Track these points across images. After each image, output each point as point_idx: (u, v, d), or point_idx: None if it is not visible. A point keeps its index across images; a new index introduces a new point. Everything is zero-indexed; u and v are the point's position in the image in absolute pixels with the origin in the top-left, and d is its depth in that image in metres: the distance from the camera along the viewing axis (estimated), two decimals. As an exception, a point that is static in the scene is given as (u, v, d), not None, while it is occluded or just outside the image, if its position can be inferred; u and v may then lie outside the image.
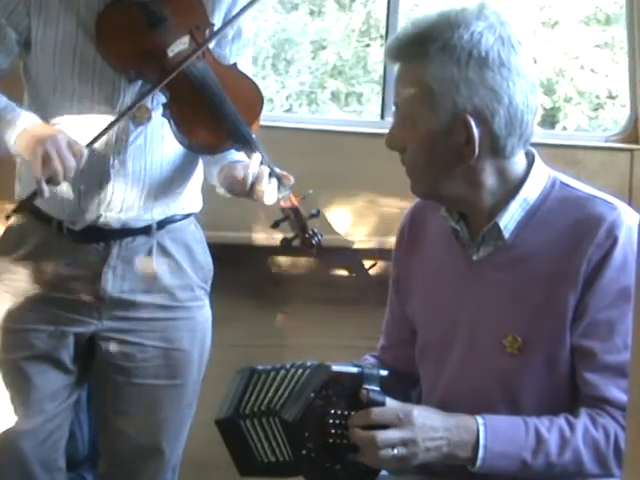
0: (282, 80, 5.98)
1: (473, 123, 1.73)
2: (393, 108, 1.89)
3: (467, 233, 1.87)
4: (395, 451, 1.71)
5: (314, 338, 3.21)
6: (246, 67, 2.26)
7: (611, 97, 6.37)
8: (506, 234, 1.81)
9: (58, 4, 2.16)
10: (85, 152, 2.06)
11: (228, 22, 2.20)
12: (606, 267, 1.74)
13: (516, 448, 1.72)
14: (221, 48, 2.25)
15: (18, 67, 2.25)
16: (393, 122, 1.83)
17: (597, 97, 6.42)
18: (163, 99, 2.17)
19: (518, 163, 1.82)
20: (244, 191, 2.11)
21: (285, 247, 2.13)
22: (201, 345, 2.37)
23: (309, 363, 1.83)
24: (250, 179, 2.08)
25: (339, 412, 1.77)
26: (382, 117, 3.42)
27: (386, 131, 1.85)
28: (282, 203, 2.12)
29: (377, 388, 1.77)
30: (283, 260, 3.04)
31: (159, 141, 2.22)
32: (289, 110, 6.02)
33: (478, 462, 1.72)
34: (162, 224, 2.29)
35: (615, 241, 1.74)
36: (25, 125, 2.10)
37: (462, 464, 1.75)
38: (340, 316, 3.25)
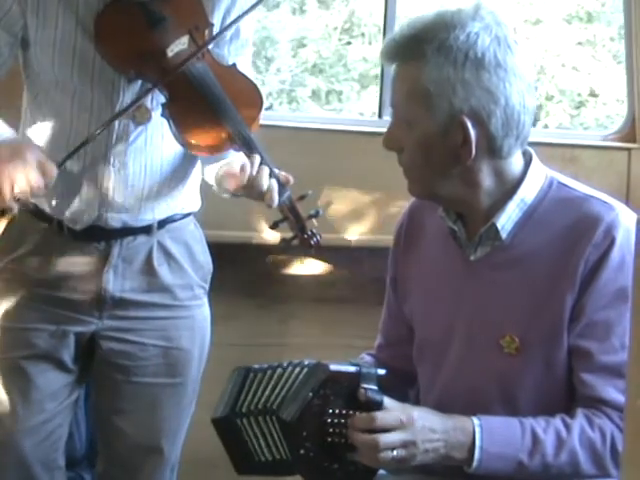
0: (262, 78, 5.97)
1: (469, 124, 1.73)
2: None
3: (464, 233, 1.87)
4: (394, 453, 1.71)
5: (313, 337, 3.22)
6: (245, 67, 2.26)
7: (593, 95, 6.36)
8: (503, 234, 1.81)
9: (57, 4, 2.15)
10: (54, 172, 2.05)
11: (231, 24, 2.20)
12: (603, 268, 1.74)
13: (512, 449, 1.73)
14: (220, 48, 2.25)
15: (17, 66, 2.25)
16: (390, 123, 1.83)
17: (579, 95, 6.40)
18: (162, 99, 2.17)
19: (515, 163, 1.82)
20: (241, 188, 2.11)
21: (284, 247, 2.13)
22: (200, 344, 2.37)
23: (306, 362, 1.83)
24: (247, 175, 2.08)
25: (337, 411, 1.77)
26: (380, 116, 3.42)
27: (384, 130, 1.85)
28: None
29: (375, 387, 1.77)
30: (282, 259, 3.04)
31: (159, 141, 2.23)
32: (269, 108, 6.03)
33: (474, 463, 1.73)
34: (162, 223, 2.29)
35: (612, 242, 1.74)
36: None
37: (459, 465, 1.76)
38: (338, 315, 3.26)
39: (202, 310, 2.38)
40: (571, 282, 1.75)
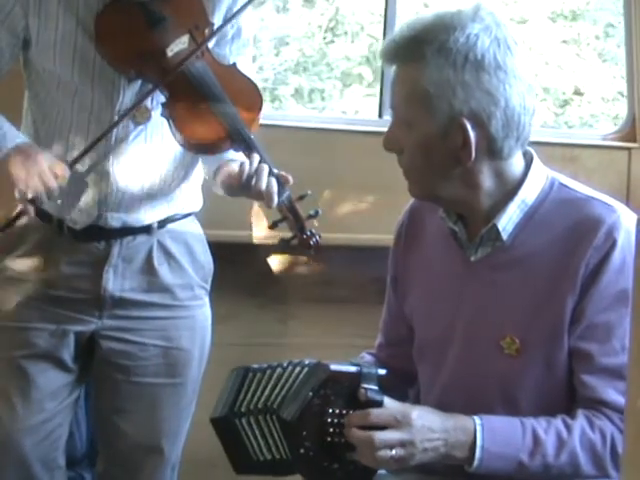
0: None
1: (469, 126, 1.73)
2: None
3: (465, 234, 1.87)
4: (393, 452, 1.71)
5: (313, 337, 3.22)
6: (246, 67, 2.26)
7: (578, 94, 6.36)
8: (504, 236, 1.81)
9: (57, 4, 2.15)
10: (67, 173, 2.08)
11: (227, 21, 2.20)
12: (604, 270, 1.74)
13: (513, 449, 1.73)
14: (221, 48, 2.25)
15: (18, 66, 2.25)
16: (390, 124, 1.83)
17: (563, 93, 6.40)
18: (162, 99, 2.17)
19: (516, 164, 1.82)
20: (239, 186, 2.11)
21: (283, 247, 2.13)
22: (201, 344, 2.37)
23: (307, 362, 1.83)
24: (246, 174, 2.08)
25: (337, 411, 1.77)
26: (380, 116, 3.42)
27: (384, 130, 1.85)
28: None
29: (375, 387, 1.77)
30: (282, 259, 3.04)
31: (159, 140, 2.23)
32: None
33: (475, 462, 1.73)
34: (163, 223, 2.29)
35: (614, 244, 1.74)
36: (8, 147, 2.11)
37: (459, 464, 1.76)
38: (339, 315, 3.26)
39: (203, 310, 2.38)
40: (572, 284, 1.75)
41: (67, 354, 2.28)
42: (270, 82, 6.13)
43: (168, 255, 2.30)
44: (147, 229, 2.27)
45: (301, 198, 2.13)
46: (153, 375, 2.32)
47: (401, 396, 1.92)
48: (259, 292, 3.24)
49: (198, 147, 2.20)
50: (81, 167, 2.19)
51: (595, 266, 1.75)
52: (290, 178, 2.12)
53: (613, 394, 1.74)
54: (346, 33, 5.96)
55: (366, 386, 1.77)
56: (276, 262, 3.18)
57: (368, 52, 5.95)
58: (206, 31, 2.20)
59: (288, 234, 2.15)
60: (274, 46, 6.14)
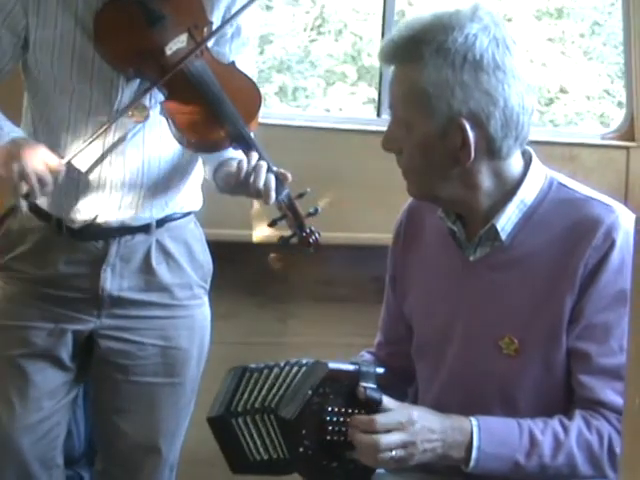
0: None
1: (468, 126, 1.73)
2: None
3: (464, 234, 1.87)
4: (393, 453, 1.72)
5: (312, 336, 3.22)
6: (245, 66, 2.25)
7: (563, 92, 6.37)
8: (503, 236, 1.81)
9: (56, 3, 2.15)
10: (62, 168, 2.07)
11: (227, 20, 2.20)
12: (603, 270, 1.74)
13: (509, 450, 1.73)
14: (220, 46, 2.25)
15: (17, 65, 2.25)
16: (389, 124, 1.83)
17: (548, 91, 6.41)
18: (161, 97, 2.17)
19: (514, 164, 1.82)
20: (238, 184, 2.11)
21: (282, 246, 2.13)
22: (200, 344, 2.37)
23: (305, 361, 1.84)
24: (244, 171, 2.08)
25: (336, 409, 1.78)
26: (378, 115, 3.43)
27: (382, 129, 1.85)
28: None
29: (374, 386, 1.78)
30: (282, 257, 3.04)
31: (157, 139, 2.22)
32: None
33: (471, 463, 1.73)
34: (161, 222, 2.29)
35: (612, 244, 1.74)
36: (4, 140, 2.11)
37: (456, 464, 1.76)
38: (338, 314, 3.26)
39: (202, 310, 2.38)
40: (571, 284, 1.76)
41: (65, 353, 2.28)
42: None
43: (167, 254, 2.30)
44: (146, 228, 2.27)
45: (300, 196, 2.12)
46: (152, 374, 2.32)
47: (400, 395, 1.92)
48: (258, 291, 3.25)
49: (197, 145, 2.20)
50: (79, 165, 2.20)
51: (594, 266, 1.75)
52: (289, 176, 2.12)
53: (611, 394, 1.74)
54: (329, 32, 5.96)
55: (365, 385, 1.78)
56: (275, 261, 3.18)
57: (352, 50, 5.95)
58: (205, 30, 2.19)
59: (287, 232, 2.15)
60: (258, 44, 6.15)
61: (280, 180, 2.10)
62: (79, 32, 2.16)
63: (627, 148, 3.49)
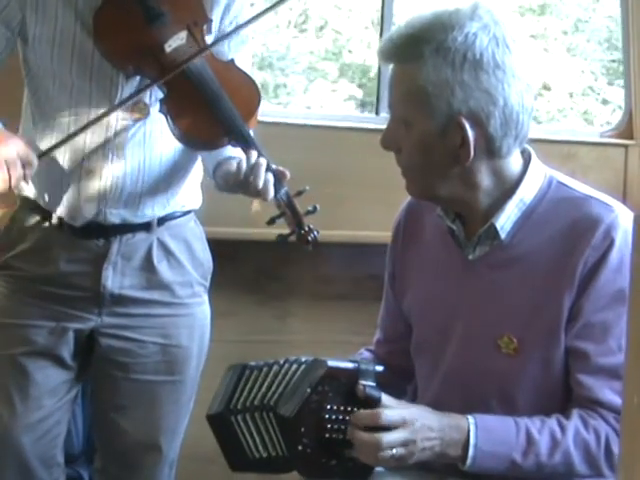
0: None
1: (468, 125, 1.73)
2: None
3: (463, 232, 1.87)
4: (394, 451, 1.72)
5: (311, 333, 3.22)
6: (244, 64, 2.26)
7: (546, 88, 6.35)
8: (502, 234, 1.81)
9: (55, 0, 2.16)
10: (35, 162, 2.06)
11: (237, 28, 2.20)
12: (602, 269, 1.74)
13: (506, 448, 1.74)
14: (219, 45, 2.25)
15: (17, 61, 2.25)
16: (388, 123, 1.83)
17: None
18: (160, 95, 2.17)
19: (514, 163, 1.82)
20: (238, 184, 2.11)
21: (281, 243, 2.13)
22: (200, 342, 2.37)
23: (304, 359, 1.84)
24: (244, 169, 2.08)
25: (335, 407, 1.78)
26: (377, 113, 3.43)
27: (381, 127, 1.85)
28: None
29: (373, 384, 1.78)
30: (280, 255, 3.04)
31: (158, 137, 2.22)
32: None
33: (468, 461, 1.74)
34: (162, 220, 2.29)
35: (612, 243, 1.74)
36: None
37: (453, 462, 1.76)
38: (336, 312, 3.27)
39: (202, 308, 2.38)
40: (570, 283, 1.76)
41: (66, 351, 2.28)
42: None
43: (167, 252, 2.30)
44: (146, 226, 2.27)
45: (299, 194, 2.13)
46: (152, 372, 2.32)
47: (399, 393, 1.93)
48: (258, 289, 3.25)
49: (196, 143, 2.20)
50: (80, 163, 2.20)
51: (593, 265, 1.75)
52: (288, 173, 2.12)
53: (609, 394, 1.74)
54: (310, 29, 5.95)
55: (364, 382, 1.77)
56: (274, 259, 3.18)
57: (333, 47, 5.94)
58: (204, 27, 2.20)
59: (286, 230, 2.15)
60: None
61: (279, 178, 2.10)
62: (79, 28, 2.16)
63: (625, 146, 3.49)
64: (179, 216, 2.32)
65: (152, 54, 2.15)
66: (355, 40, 5.87)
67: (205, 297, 2.40)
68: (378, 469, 1.84)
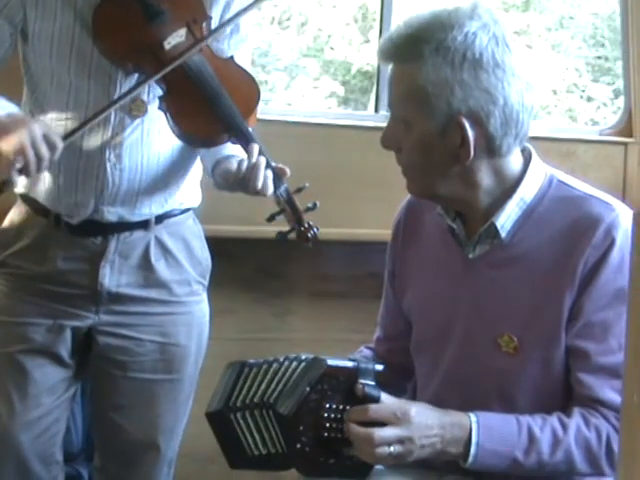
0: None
1: (468, 125, 1.72)
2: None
3: (463, 231, 1.87)
4: (391, 449, 1.72)
5: (310, 331, 3.23)
6: (243, 61, 2.26)
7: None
8: (503, 233, 1.81)
9: None
10: (60, 144, 2.03)
11: (231, 19, 2.20)
12: (603, 268, 1.74)
13: (508, 446, 1.74)
14: (219, 42, 2.24)
15: (17, 60, 2.25)
16: (388, 122, 1.82)
17: None
18: (160, 92, 2.17)
19: (514, 162, 1.82)
20: (237, 182, 2.11)
21: (280, 241, 2.13)
22: (198, 340, 2.37)
23: (303, 356, 1.84)
24: (244, 167, 2.08)
25: (334, 406, 1.78)
26: (376, 111, 3.43)
27: (380, 124, 1.85)
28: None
29: (372, 383, 1.78)
30: (280, 253, 3.04)
31: (156, 134, 2.22)
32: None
33: (470, 459, 1.74)
34: (160, 218, 2.29)
35: (612, 242, 1.74)
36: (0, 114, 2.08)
37: (454, 460, 1.76)
38: (336, 309, 3.27)
39: (201, 306, 2.38)
40: (570, 282, 1.75)
41: (64, 349, 2.28)
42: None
43: (165, 251, 2.30)
44: (144, 224, 2.27)
45: (299, 191, 2.12)
46: (150, 371, 2.32)
47: (399, 391, 1.93)
48: (256, 287, 3.25)
49: (196, 140, 2.20)
50: (77, 160, 2.19)
51: (593, 264, 1.75)
52: (287, 170, 2.12)
53: (609, 393, 1.75)
54: (292, 26, 5.93)
55: (363, 381, 1.77)
56: (274, 257, 3.18)
57: (315, 44, 5.93)
58: (204, 25, 2.19)
59: (286, 227, 2.15)
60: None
61: (278, 175, 2.10)
62: (78, 26, 2.16)
63: (625, 144, 3.49)
64: (177, 214, 2.32)
65: (151, 52, 2.15)
66: (336, 37, 5.86)
67: (204, 295, 2.39)
68: (377, 467, 1.84)
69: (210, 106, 2.14)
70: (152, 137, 2.23)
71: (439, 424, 1.74)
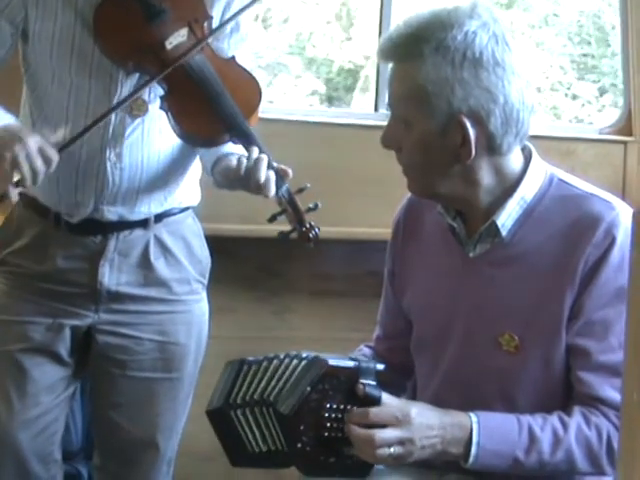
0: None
1: (468, 124, 1.72)
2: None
3: (464, 230, 1.87)
4: (392, 449, 1.72)
5: (309, 330, 3.23)
6: (244, 61, 2.26)
7: None
8: (504, 232, 1.81)
9: None
10: (56, 158, 2.03)
11: (231, 17, 2.20)
12: (603, 267, 1.74)
13: (509, 446, 1.74)
14: (219, 41, 2.24)
15: (17, 59, 2.25)
16: (388, 122, 1.82)
17: None
18: (161, 91, 2.16)
19: (515, 160, 1.82)
20: (238, 179, 2.11)
21: (282, 241, 2.12)
22: (197, 339, 2.37)
23: (304, 354, 1.83)
24: (245, 167, 2.08)
25: (335, 406, 1.77)
26: (376, 109, 3.43)
27: (379, 123, 1.86)
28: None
29: (373, 382, 1.77)
30: (279, 252, 3.04)
31: (156, 134, 2.22)
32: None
33: (470, 459, 1.74)
34: (160, 217, 2.29)
35: (613, 241, 1.74)
36: None
37: (455, 460, 1.76)
38: (336, 308, 3.27)
39: (200, 305, 2.38)
40: (571, 281, 1.76)
41: (63, 348, 2.28)
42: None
43: (165, 249, 2.30)
44: (144, 223, 2.27)
45: (300, 191, 2.12)
46: (150, 369, 2.31)
47: (399, 390, 1.93)
48: (256, 286, 3.25)
49: (197, 140, 2.20)
50: (78, 160, 2.19)
51: (594, 263, 1.75)
52: (290, 171, 2.11)
53: (610, 391, 1.75)
54: (274, 23, 5.92)
55: (364, 381, 1.77)
56: (273, 255, 3.18)
57: (296, 41, 5.93)
58: (205, 24, 2.19)
59: (287, 227, 2.15)
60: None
61: (280, 175, 2.10)
62: (79, 26, 2.15)
63: (624, 143, 3.50)
64: (177, 213, 2.32)
65: (153, 51, 2.15)
66: (318, 34, 5.85)
67: (203, 294, 2.39)
68: (377, 467, 1.84)
69: (211, 106, 2.13)
70: (153, 136, 2.22)
71: (439, 425, 1.74)
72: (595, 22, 5.80)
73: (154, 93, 2.19)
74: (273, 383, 1.82)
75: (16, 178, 2.00)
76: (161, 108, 2.15)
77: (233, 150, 2.21)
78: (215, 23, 2.22)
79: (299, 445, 1.77)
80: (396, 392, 1.82)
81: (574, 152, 3.42)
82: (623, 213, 1.78)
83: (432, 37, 1.72)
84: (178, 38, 2.16)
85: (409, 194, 1.99)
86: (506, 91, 1.73)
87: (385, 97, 3.21)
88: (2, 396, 2.26)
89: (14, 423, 2.25)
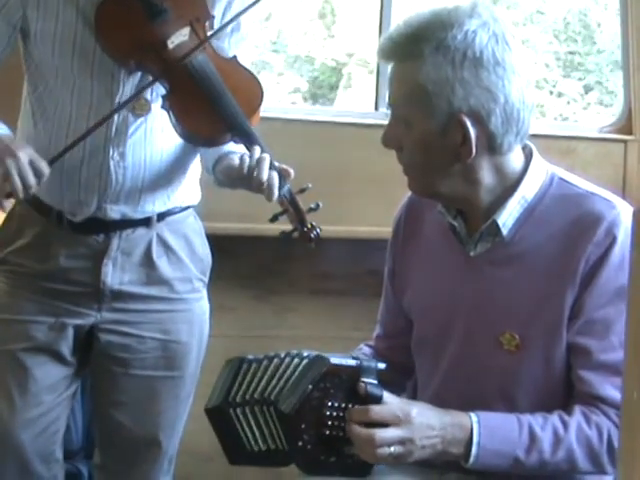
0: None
1: (469, 123, 1.72)
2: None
3: (465, 229, 1.87)
4: (392, 449, 1.71)
5: (309, 329, 3.23)
6: (245, 60, 2.26)
7: None
8: (504, 231, 1.81)
9: None
10: (46, 171, 2.05)
11: (234, 17, 2.20)
12: (604, 266, 1.74)
13: (509, 446, 1.73)
14: (220, 41, 2.24)
15: (17, 58, 2.25)
16: (389, 121, 1.82)
17: None
18: (163, 91, 2.17)
19: (515, 159, 1.82)
20: (240, 179, 2.11)
21: (283, 240, 2.13)
22: (199, 337, 2.37)
23: (305, 353, 1.82)
24: (247, 166, 2.08)
25: (336, 405, 1.77)
26: (376, 108, 3.43)
27: (380, 122, 1.86)
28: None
29: (375, 381, 1.77)
30: (279, 251, 3.05)
31: (159, 132, 2.22)
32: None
33: (471, 459, 1.73)
34: (162, 216, 2.29)
35: (614, 240, 1.74)
36: None
37: (455, 460, 1.76)
38: (336, 307, 3.27)
39: (201, 304, 2.39)
40: (571, 280, 1.76)
41: (65, 347, 2.28)
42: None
43: (167, 248, 2.30)
44: (146, 222, 2.27)
45: (302, 191, 2.12)
46: (151, 368, 2.32)
47: (399, 388, 1.93)
48: (257, 284, 3.25)
49: (199, 139, 2.20)
50: (80, 159, 2.20)
51: (595, 262, 1.75)
52: (292, 172, 2.11)
53: (610, 390, 1.75)
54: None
55: (366, 380, 1.76)
56: (274, 254, 3.19)
57: (278, 39, 5.93)
58: (207, 23, 2.19)
59: (288, 226, 2.15)
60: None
61: (282, 176, 2.10)
62: (80, 24, 2.16)
63: (625, 141, 3.50)
64: (178, 212, 2.32)
65: (154, 50, 2.15)
66: (300, 32, 5.85)
67: (204, 292, 2.40)
68: (378, 466, 1.84)
69: (213, 105, 2.14)
70: (155, 135, 2.23)
71: (440, 425, 1.73)
72: (581, 19, 5.79)
73: (156, 92, 2.19)
74: (274, 382, 1.81)
75: (7, 190, 2.02)
76: (163, 107, 2.15)
77: (234, 149, 2.22)
78: (217, 22, 2.22)
79: (300, 444, 1.77)
80: (396, 391, 1.82)
81: (574, 151, 3.42)
82: (624, 212, 1.78)
83: (432, 37, 1.72)
84: (180, 37, 2.16)
85: (409, 193, 1.98)
86: (506, 90, 1.73)
87: (385, 96, 3.21)
88: (4, 395, 2.26)
89: (16, 422, 2.26)
